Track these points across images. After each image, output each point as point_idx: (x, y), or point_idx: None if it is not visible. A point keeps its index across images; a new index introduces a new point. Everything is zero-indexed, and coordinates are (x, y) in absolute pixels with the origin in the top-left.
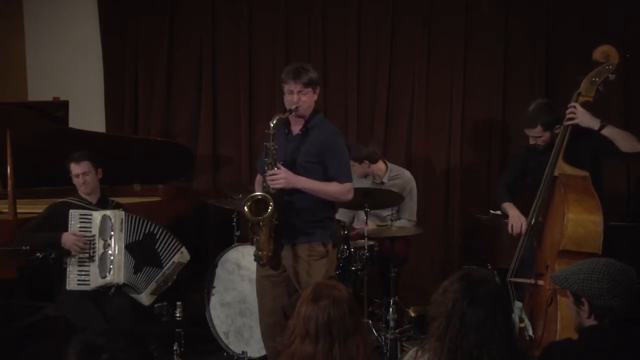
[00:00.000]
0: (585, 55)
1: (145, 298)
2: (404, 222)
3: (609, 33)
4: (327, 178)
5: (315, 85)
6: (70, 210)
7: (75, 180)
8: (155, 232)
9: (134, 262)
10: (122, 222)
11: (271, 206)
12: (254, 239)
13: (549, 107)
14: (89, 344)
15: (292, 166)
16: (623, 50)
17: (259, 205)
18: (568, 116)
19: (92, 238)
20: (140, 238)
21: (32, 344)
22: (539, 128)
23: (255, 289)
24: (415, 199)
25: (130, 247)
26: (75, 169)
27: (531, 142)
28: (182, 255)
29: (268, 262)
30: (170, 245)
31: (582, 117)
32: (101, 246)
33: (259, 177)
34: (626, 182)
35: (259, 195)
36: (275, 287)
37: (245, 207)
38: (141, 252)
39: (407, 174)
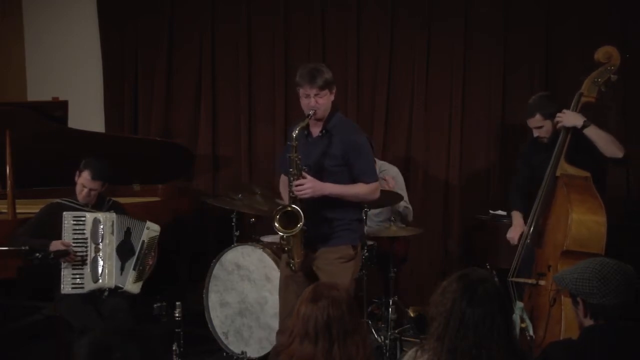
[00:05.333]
0: (585, 55)
1: (131, 288)
2: (406, 205)
3: (609, 33)
4: (352, 178)
5: (332, 86)
6: (64, 213)
7: (79, 187)
8: (129, 225)
9: (120, 263)
10: (113, 225)
11: (302, 220)
12: (286, 249)
13: (548, 98)
14: (100, 343)
15: (318, 171)
16: (623, 50)
17: (289, 217)
18: (556, 121)
19: (85, 240)
20: (123, 237)
21: (32, 344)
22: (537, 116)
23: (254, 289)
24: (404, 187)
25: (118, 249)
26: (87, 182)
27: (535, 134)
28: (149, 230)
29: (300, 268)
30: (138, 228)
31: (566, 118)
32: (92, 250)
33: (283, 178)
34: (626, 182)
35: (289, 207)
36: (300, 287)
37: (275, 222)
38: (123, 251)
39: (394, 169)
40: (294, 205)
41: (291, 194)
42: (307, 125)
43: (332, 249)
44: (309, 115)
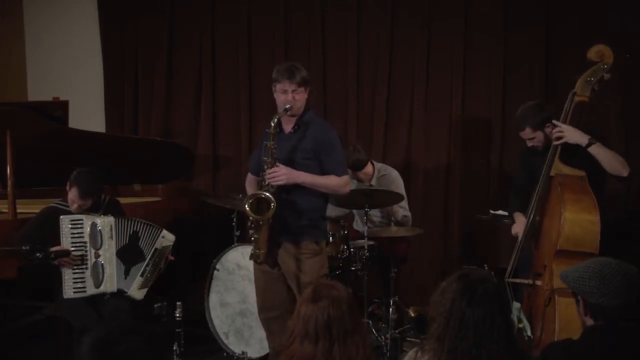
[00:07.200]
0: (585, 55)
1: (135, 294)
2: (405, 213)
3: (609, 33)
4: (323, 173)
5: (308, 84)
6: (61, 217)
7: (70, 200)
8: (137, 229)
9: (124, 267)
10: (111, 229)
11: (273, 206)
12: (252, 238)
13: (536, 107)
14: (104, 336)
15: (289, 164)
16: (623, 50)
17: (260, 204)
18: (555, 136)
19: (84, 244)
20: (127, 241)
21: (32, 344)
22: (527, 129)
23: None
24: (404, 191)
25: (119, 253)
26: (77, 199)
27: (528, 144)
28: (164, 239)
29: (264, 260)
30: (151, 235)
31: (570, 134)
32: (92, 255)
33: (250, 177)
34: None
35: (262, 194)
36: (274, 283)
37: (247, 206)
38: (128, 254)
39: (394, 172)
40: (266, 193)
41: (263, 183)
42: (280, 122)
43: (297, 244)
44: (285, 109)
